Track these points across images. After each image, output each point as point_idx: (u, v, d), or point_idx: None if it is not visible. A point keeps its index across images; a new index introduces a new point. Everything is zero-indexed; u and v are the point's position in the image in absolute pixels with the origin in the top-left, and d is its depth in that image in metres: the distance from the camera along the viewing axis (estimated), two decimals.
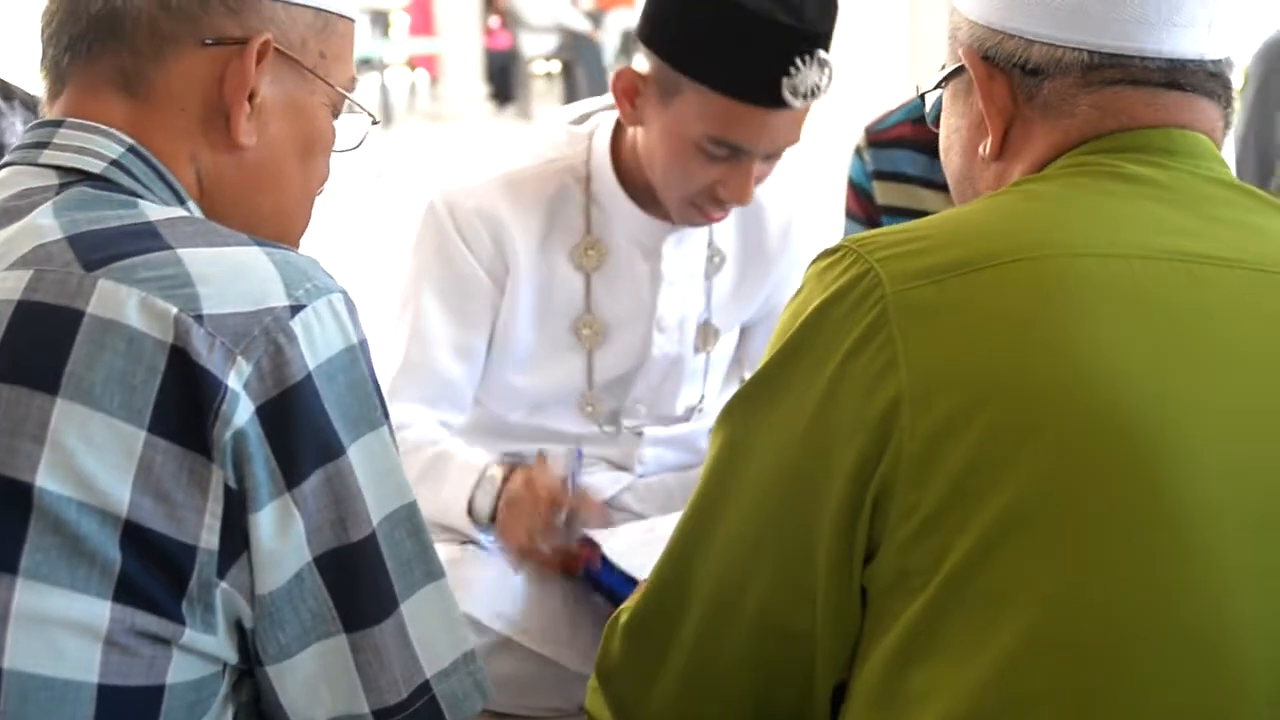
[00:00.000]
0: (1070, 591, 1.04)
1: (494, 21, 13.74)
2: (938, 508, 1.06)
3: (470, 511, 1.89)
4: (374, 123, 1.33)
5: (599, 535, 1.84)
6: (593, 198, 1.99)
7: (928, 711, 1.07)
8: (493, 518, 1.87)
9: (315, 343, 1.09)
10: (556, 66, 13.24)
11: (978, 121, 1.27)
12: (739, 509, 1.17)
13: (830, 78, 1.77)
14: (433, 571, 1.16)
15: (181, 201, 1.19)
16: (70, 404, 1.04)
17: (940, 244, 1.12)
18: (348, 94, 1.28)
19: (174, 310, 1.05)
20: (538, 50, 13.01)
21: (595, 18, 14.10)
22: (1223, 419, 1.07)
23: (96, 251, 1.08)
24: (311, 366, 1.08)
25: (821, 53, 1.75)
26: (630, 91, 1.86)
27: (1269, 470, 1.07)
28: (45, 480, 1.03)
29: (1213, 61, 1.21)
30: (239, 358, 1.05)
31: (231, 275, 1.09)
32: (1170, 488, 1.05)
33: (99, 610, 1.04)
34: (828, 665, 1.16)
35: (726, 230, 2.10)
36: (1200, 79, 1.20)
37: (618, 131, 1.98)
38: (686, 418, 2.20)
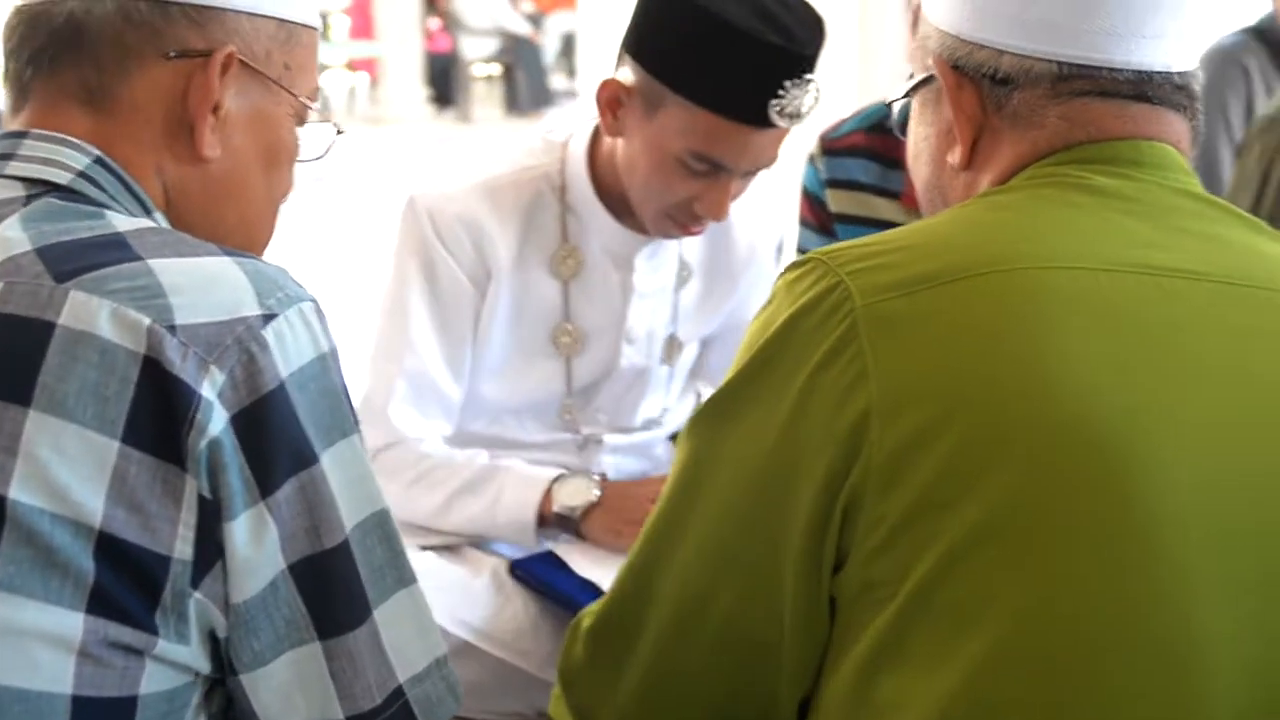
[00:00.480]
0: (1039, 604, 1.05)
1: (434, 24, 13.73)
2: (905, 519, 1.07)
3: (543, 519, 1.95)
4: (339, 133, 1.34)
5: (561, 549, 1.86)
6: (568, 206, 2.00)
7: None
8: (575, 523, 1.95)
9: (288, 351, 1.09)
10: (497, 69, 13.23)
11: (946, 130, 1.28)
12: (705, 520, 1.17)
13: (817, 100, 1.78)
14: (404, 577, 1.16)
15: (148, 213, 1.19)
16: (43, 415, 1.03)
17: (910, 257, 1.13)
18: (312, 104, 1.28)
19: (147, 321, 1.05)
20: (478, 53, 13.01)
21: (535, 20, 14.11)
22: (1189, 432, 1.08)
23: (67, 263, 1.08)
24: (284, 375, 1.08)
25: (809, 75, 1.77)
26: (613, 102, 1.87)
27: (1235, 483, 1.08)
28: (18, 492, 1.02)
29: (1179, 73, 1.22)
30: (212, 367, 1.06)
31: (203, 285, 1.09)
32: (1139, 500, 1.06)
33: (72, 622, 1.03)
34: (794, 676, 1.17)
35: (695, 244, 2.12)
36: (1167, 91, 1.21)
37: (594, 140, 1.99)
38: (645, 428, 2.21)
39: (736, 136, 1.80)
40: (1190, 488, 1.07)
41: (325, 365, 1.12)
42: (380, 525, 1.15)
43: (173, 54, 1.18)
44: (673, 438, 2.30)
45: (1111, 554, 1.05)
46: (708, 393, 2.27)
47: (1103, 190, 1.18)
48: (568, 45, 13.97)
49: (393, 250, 2.00)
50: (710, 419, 1.18)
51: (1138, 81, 1.20)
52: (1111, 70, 1.20)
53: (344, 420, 1.13)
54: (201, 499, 1.06)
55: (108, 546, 1.04)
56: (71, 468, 1.03)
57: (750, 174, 1.87)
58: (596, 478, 1.96)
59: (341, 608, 1.12)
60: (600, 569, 1.81)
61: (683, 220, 1.91)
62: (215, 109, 1.19)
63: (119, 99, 1.18)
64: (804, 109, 1.77)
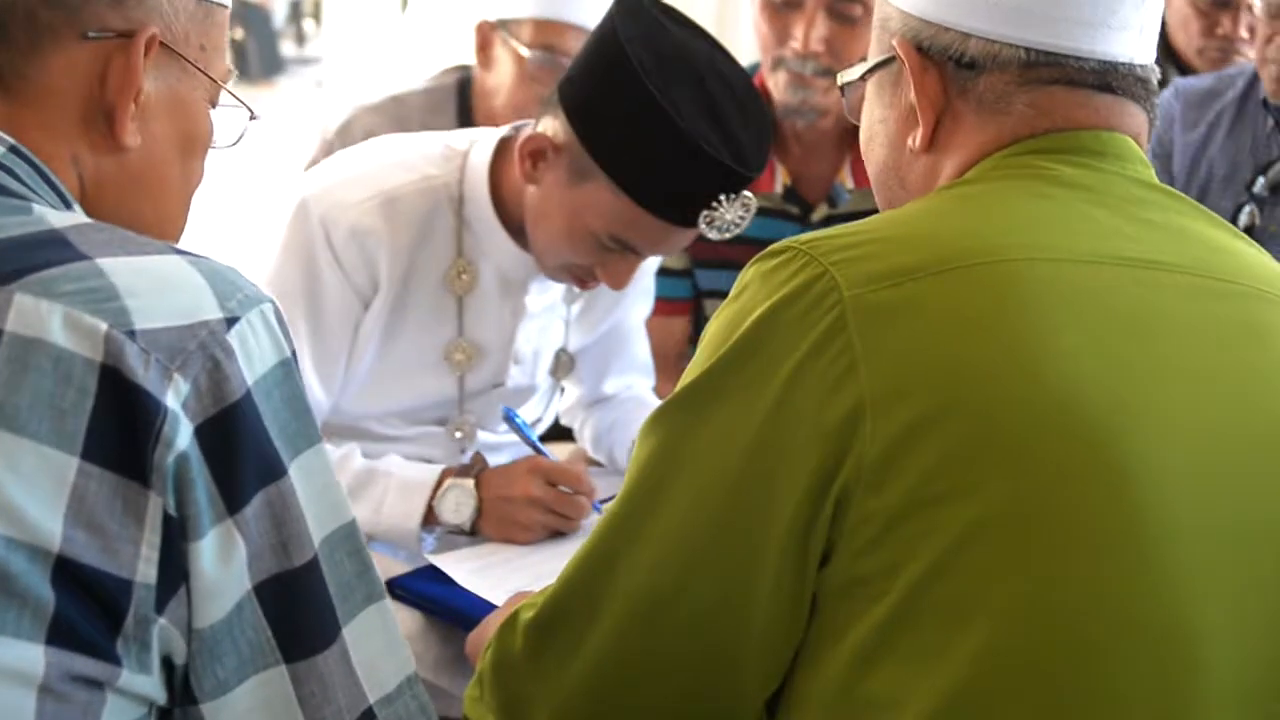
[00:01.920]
0: (1036, 599, 1.04)
1: None
2: (898, 514, 1.05)
3: (426, 520, 1.90)
4: (252, 118, 1.26)
5: (444, 563, 1.80)
6: (465, 221, 1.94)
7: (891, 718, 1.06)
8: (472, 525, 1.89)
9: (251, 357, 1.02)
10: None
11: (907, 114, 1.26)
12: (672, 516, 1.13)
13: (749, 217, 1.77)
14: (373, 593, 1.10)
15: (67, 205, 1.10)
16: None
17: (892, 248, 1.11)
18: (227, 87, 1.20)
19: (104, 326, 0.97)
20: None
21: None
22: (1173, 425, 1.08)
23: (5, 263, 0.99)
24: (250, 382, 1.01)
25: (746, 194, 1.75)
26: (538, 155, 1.82)
27: (1218, 477, 1.08)
28: None
29: (1140, 66, 1.22)
30: (176, 375, 0.98)
31: (160, 287, 1.01)
32: (1131, 496, 1.05)
33: (33, 655, 0.95)
34: (764, 674, 1.14)
35: None
36: (1130, 83, 1.22)
37: (499, 156, 1.93)
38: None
39: (658, 230, 1.78)
40: (1177, 483, 1.07)
41: (289, 370, 1.05)
42: (349, 538, 1.08)
43: (91, 34, 1.09)
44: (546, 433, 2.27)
45: (1107, 549, 1.04)
46: (573, 391, 2.26)
47: (1069, 181, 1.17)
48: (295, 11, 13.70)
49: (274, 248, 1.91)
50: (678, 412, 1.14)
51: (1103, 72, 1.20)
52: (1079, 59, 1.19)
53: (309, 428, 1.06)
54: (167, 517, 0.98)
55: (67, 572, 0.96)
56: (27, 487, 0.95)
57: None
58: (471, 483, 1.90)
59: (309, 628, 1.06)
60: (484, 580, 1.76)
61: (581, 278, 1.89)
62: (135, 95, 1.11)
63: (32, 82, 1.09)
64: (734, 225, 1.75)
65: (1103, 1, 1.19)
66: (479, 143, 1.96)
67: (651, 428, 1.16)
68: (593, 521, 1.88)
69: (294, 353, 1.06)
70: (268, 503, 1.02)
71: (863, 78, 1.32)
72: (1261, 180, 2.70)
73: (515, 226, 1.93)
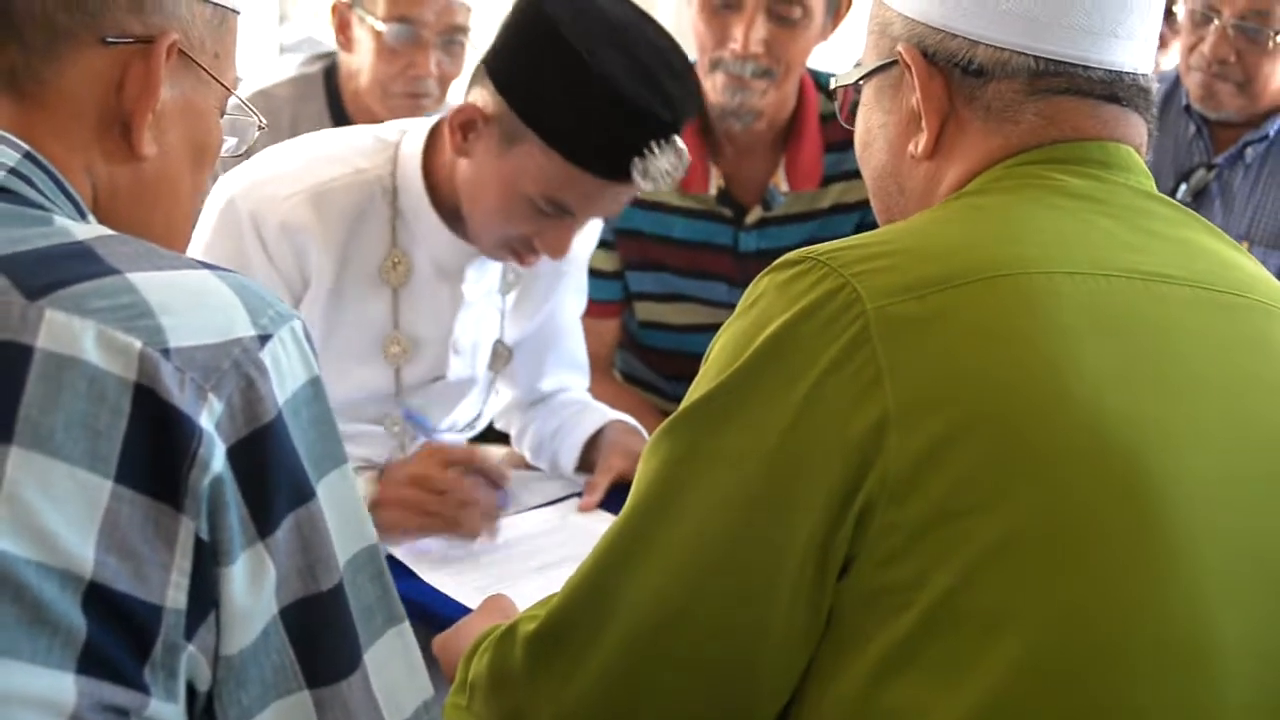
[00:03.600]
0: (1065, 614, 1.04)
1: None
2: (922, 526, 1.05)
3: None
4: (261, 127, 1.23)
5: (407, 556, 1.77)
6: (399, 212, 1.92)
7: None
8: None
9: (284, 375, 1.00)
10: None
11: (908, 119, 1.26)
12: (686, 529, 1.11)
13: (684, 165, 1.76)
14: (394, 615, 1.08)
15: (83, 215, 1.06)
16: (27, 453, 0.91)
17: (912, 260, 1.11)
18: (238, 95, 1.18)
19: (138, 344, 0.94)
20: None
21: None
22: (1191, 438, 1.09)
23: (34, 277, 0.95)
24: (281, 402, 0.99)
25: (678, 139, 1.74)
26: (468, 126, 1.80)
27: (1237, 489, 1.10)
28: (1, 541, 0.90)
29: (1143, 75, 1.24)
30: (210, 395, 0.95)
31: (192, 303, 0.98)
32: (1156, 509, 1.06)
33: (64, 684, 0.92)
34: (777, 688, 1.12)
35: None
36: (1134, 92, 1.23)
37: (431, 144, 1.90)
38: (454, 430, 2.15)
39: (592, 188, 1.77)
40: (1198, 495, 1.08)
41: (318, 390, 1.03)
42: (371, 560, 1.06)
43: (110, 39, 1.06)
44: (480, 438, 2.24)
45: (1135, 564, 1.05)
46: (506, 392, 2.23)
47: (1078, 193, 1.18)
48: None
49: (198, 249, 1.86)
50: (691, 424, 1.13)
51: (1110, 82, 1.21)
52: (1087, 68, 1.20)
53: (336, 447, 1.04)
54: (199, 542, 0.96)
55: (98, 598, 0.93)
56: (61, 511, 0.91)
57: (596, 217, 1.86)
58: (376, 471, 1.87)
59: (333, 654, 1.03)
60: (443, 573, 1.74)
61: (520, 250, 1.87)
62: (154, 103, 1.08)
63: (48, 87, 1.05)
64: (667, 173, 1.74)
65: (1111, 10, 1.20)
66: (410, 133, 1.94)
67: (661, 439, 1.14)
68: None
69: (320, 371, 1.04)
70: (297, 525, 1.00)
71: (860, 81, 1.31)
72: (1184, 187, 2.76)
73: (450, 213, 1.91)
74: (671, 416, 1.15)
